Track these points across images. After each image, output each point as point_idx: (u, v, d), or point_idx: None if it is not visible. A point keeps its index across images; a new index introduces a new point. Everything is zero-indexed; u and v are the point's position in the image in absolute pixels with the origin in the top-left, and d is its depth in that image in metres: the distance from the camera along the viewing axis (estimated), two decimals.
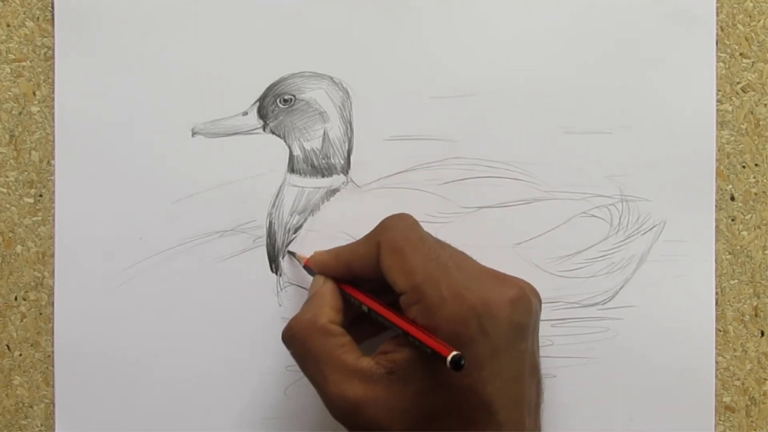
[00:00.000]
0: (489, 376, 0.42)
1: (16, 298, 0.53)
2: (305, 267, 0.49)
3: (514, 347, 0.43)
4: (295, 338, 0.45)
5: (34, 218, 0.52)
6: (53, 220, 0.52)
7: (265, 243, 0.52)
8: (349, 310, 0.46)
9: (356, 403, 0.43)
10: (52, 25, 0.52)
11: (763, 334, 0.52)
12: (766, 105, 0.52)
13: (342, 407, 0.43)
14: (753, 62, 0.51)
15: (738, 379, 0.51)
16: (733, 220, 0.52)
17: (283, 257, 0.52)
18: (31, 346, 0.53)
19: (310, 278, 0.49)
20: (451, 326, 0.42)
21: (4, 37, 0.52)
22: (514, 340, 0.43)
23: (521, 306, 0.43)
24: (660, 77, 0.51)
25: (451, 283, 0.42)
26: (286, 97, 0.52)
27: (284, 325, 0.51)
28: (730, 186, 0.52)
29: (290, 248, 0.51)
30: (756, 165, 0.52)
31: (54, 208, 0.52)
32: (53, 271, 0.52)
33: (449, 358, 0.40)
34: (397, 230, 0.45)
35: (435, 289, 0.42)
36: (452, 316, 0.42)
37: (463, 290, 0.42)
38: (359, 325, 0.47)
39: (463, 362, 0.40)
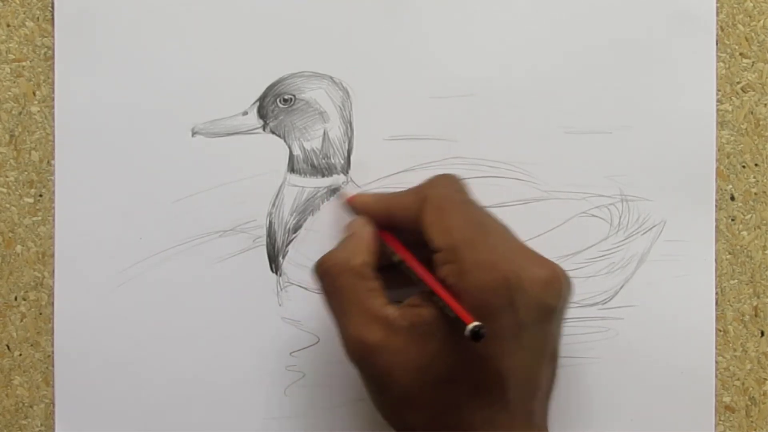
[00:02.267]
0: (509, 350, 0.42)
1: (16, 298, 0.53)
2: (345, 205, 0.49)
3: (539, 327, 0.43)
4: (327, 274, 0.45)
5: (34, 218, 0.52)
6: (53, 220, 0.52)
7: (265, 243, 0.52)
8: (383, 256, 0.46)
9: (373, 349, 0.43)
10: (52, 25, 0.52)
11: (763, 334, 0.52)
12: (766, 105, 0.52)
13: (358, 349, 0.43)
14: (753, 62, 0.51)
15: (738, 379, 0.51)
16: (733, 220, 0.52)
17: (283, 257, 0.52)
18: (31, 346, 0.53)
19: (311, 279, 0.48)
20: (480, 293, 0.41)
21: (4, 37, 0.52)
22: (540, 321, 0.42)
23: (553, 288, 0.43)
24: (660, 77, 0.51)
25: (489, 249, 0.42)
26: (286, 97, 0.52)
27: (284, 325, 0.51)
28: (730, 186, 0.52)
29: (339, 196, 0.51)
30: (756, 165, 0.52)
31: (54, 208, 0.52)
32: (53, 271, 0.52)
33: (470, 327, 0.40)
34: (444, 188, 0.46)
35: (471, 252, 0.42)
36: (484, 282, 0.41)
37: (499, 259, 0.42)
38: (390, 272, 0.46)
39: (482, 332, 0.40)
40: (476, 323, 0.40)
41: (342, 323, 0.44)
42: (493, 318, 0.41)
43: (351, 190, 0.50)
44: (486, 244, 0.43)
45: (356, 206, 0.48)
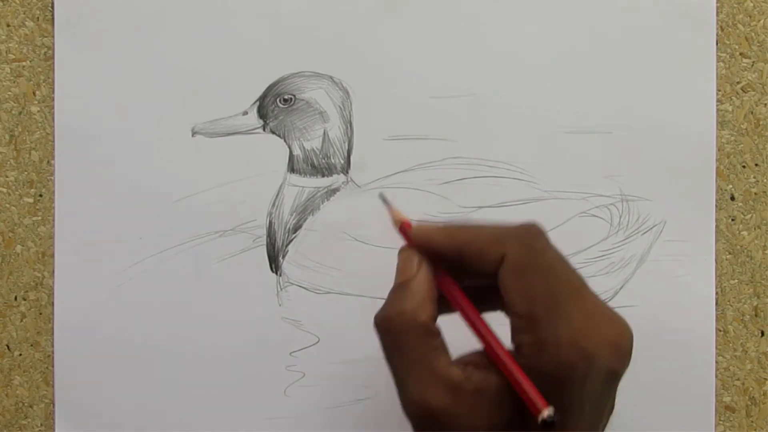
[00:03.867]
0: (573, 420, 0.40)
1: (16, 298, 0.53)
2: (399, 229, 0.43)
3: (603, 394, 0.41)
4: (392, 330, 0.42)
5: (34, 218, 0.52)
6: (53, 220, 0.52)
7: (265, 243, 0.52)
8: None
9: (435, 413, 0.40)
10: (52, 25, 0.52)
11: (763, 334, 0.52)
12: (766, 105, 0.52)
13: (420, 412, 0.41)
14: (753, 62, 0.51)
15: (738, 379, 0.51)
16: (733, 220, 0.52)
17: (283, 257, 0.52)
18: (31, 346, 0.53)
19: (311, 279, 0.48)
20: (557, 369, 0.39)
21: (4, 37, 0.52)
22: (605, 388, 0.41)
23: (622, 353, 0.41)
24: (660, 77, 0.51)
25: (569, 323, 0.40)
26: (286, 97, 0.52)
27: (284, 325, 0.51)
28: (730, 186, 0.52)
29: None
30: (756, 165, 0.52)
31: (54, 208, 0.52)
32: (53, 271, 0.52)
33: (540, 417, 0.38)
34: (526, 249, 0.42)
35: (552, 326, 0.40)
36: (562, 360, 0.39)
37: (580, 336, 0.40)
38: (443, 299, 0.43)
39: (554, 420, 0.38)
40: (547, 413, 0.38)
41: (403, 381, 0.41)
42: (564, 391, 0.39)
43: (397, 206, 0.44)
44: (567, 315, 0.40)
45: (416, 238, 0.43)
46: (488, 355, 0.41)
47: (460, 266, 0.43)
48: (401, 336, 0.42)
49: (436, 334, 0.42)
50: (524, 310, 0.41)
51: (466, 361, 0.41)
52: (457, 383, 0.40)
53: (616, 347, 0.41)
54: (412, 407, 0.41)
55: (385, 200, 0.44)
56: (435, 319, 0.42)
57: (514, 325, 0.41)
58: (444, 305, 0.43)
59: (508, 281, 0.41)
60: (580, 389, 0.40)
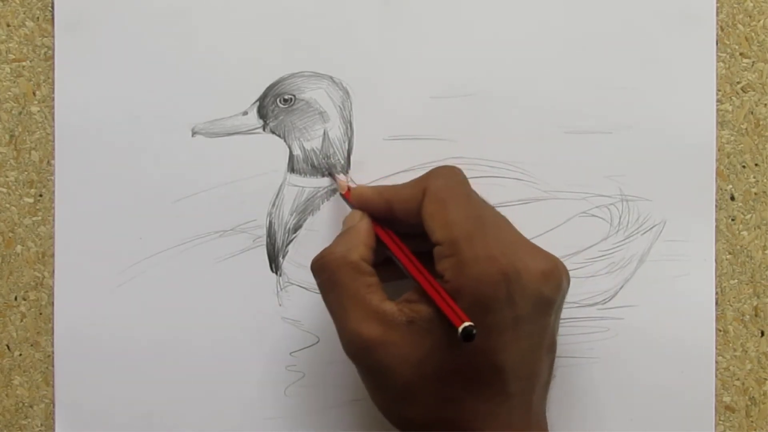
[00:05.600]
0: (507, 343, 0.42)
1: (16, 298, 0.53)
2: (344, 197, 0.49)
3: (537, 320, 0.43)
4: (325, 269, 0.45)
5: (34, 218, 0.52)
6: (53, 220, 0.52)
7: (265, 243, 0.52)
8: (381, 249, 0.46)
9: (370, 344, 0.43)
10: (52, 25, 0.52)
11: (763, 334, 0.52)
12: (766, 105, 0.52)
13: (356, 345, 0.43)
14: (753, 62, 0.52)
15: (738, 379, 0.51)
16: (733, 220, 0.52)
17: (283, 257, 0.52)
18: (31, 346, 0.53)
19: (311, 279, 0.48)
20: (479, 286, 0.41)
21: (4, 37, 0.52)
22: (538, 313, 0.43)
23: (552, 280, 0.43)
24: (660, 77, 0.51)
25: (488, 244, 0.42)
26: (286, 97, 0.52)
27: (284, 325, 0.51)
28: (730, 186, 0.52)
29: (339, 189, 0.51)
30: (756, 165, 0.52)
31: (54, 208, 0.52)
32: (53, 271, 0.52)
33: (460, 328, 0.40)
34: (445, 180, 0.45)
35: (470, 246, 0.42)
36: (482, 276, 0.41)
37: (498, 254, 0.42)
38: (389, 265, 0.46)
39: (474, 332, 0.40)
40: (466, 324, 0.40)
41: (340, 318, 0.44)
42: (491, 312, 0.41)
43: (347, 180, 0.51)
44: (485, 237, 0.43)
45: (355, 200, 0.48)
46: (419, 289, 0.43)
47: (394, 219, 0.46)
48: (333, 273, 0.44)
49: (368, 273, 0.44)
50: (444, 236, 0.43)
51: (401, 299, 0.44)
52: (390, 316, 0.43)
53: (545, 273, 0.43)
54: (348, 340, 0.44)
55: (331, 174, 0.50)
56: (369, 262, 0.45)
57: (437, 254, 0.43)
58: (384, 254, 0.46)
59: (428, 211, 0.44)
60: (508, 310, 0.42)
